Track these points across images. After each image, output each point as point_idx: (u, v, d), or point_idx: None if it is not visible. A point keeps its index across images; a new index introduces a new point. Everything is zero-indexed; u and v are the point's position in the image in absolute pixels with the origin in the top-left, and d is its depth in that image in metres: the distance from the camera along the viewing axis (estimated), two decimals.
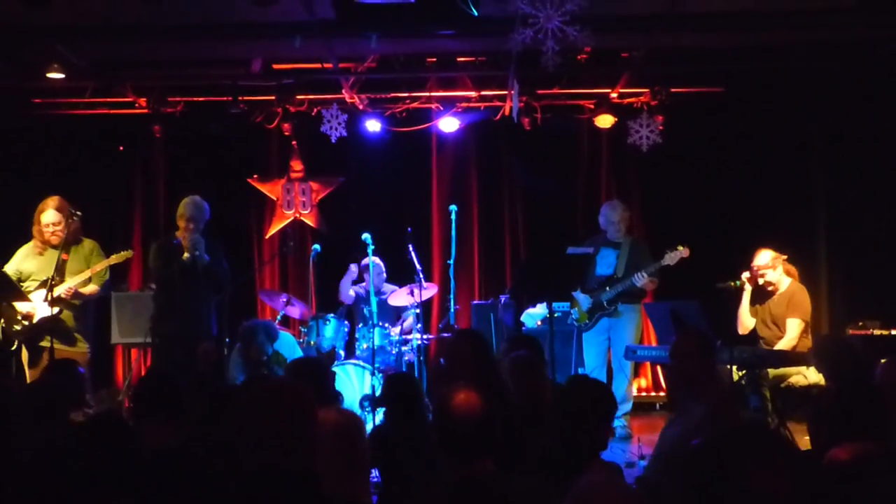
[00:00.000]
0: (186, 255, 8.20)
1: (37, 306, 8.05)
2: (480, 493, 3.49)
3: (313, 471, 3.19)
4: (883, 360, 5.11)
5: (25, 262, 8.25)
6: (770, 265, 8.44)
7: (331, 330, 9.59)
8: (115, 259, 8.31)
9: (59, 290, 8.00)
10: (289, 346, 9.35)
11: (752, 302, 8.58)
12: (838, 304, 10.16)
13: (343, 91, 10.11)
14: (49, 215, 8.17)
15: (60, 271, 8.02)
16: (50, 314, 7.90)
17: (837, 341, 7.29)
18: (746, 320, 8.56)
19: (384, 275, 10.21)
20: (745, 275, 8.48)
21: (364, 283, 10.04)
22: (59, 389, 4.98)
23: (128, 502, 3.35)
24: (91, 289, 8.25)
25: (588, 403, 4.14)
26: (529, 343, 6.21)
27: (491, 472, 3.62)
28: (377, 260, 9.98)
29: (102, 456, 3.38)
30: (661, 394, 10.67)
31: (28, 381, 7.86)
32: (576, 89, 10.42)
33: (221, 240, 8.75)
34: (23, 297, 7.98)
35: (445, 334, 9.98)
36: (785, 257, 8.54)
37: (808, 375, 7.77)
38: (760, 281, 8.44)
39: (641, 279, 9.09)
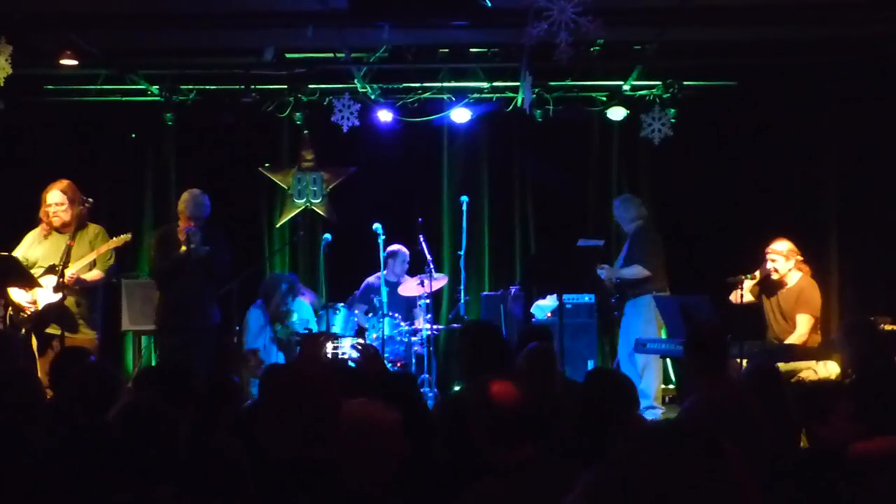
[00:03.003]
0: (183, 248, 8.27)
1: (39, 293, 8.06)
2: (534, 473, 3.58)
3: (334, 461, 3.19)
4: None
5: (31, 248, 8.24)
6: (783, 253, 8.38)
7: (340, 319, 9.60)
8: (114, 242, 8.29)
9: (83, 263, 8.05)
10: (306, 310, 9.40)
11: (762, 293, 8.52)
12: (849, 299, 10.13)
13: (355, 81, 10.11)
14: (53, 195, 8.18)
15: (67, 256, 8.02)
16: (54, 300, 7.92)
17: (869, 324, 7.06)
18: (745, 295, 8.47)
19: (407, 265, 10.30)
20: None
21: (382, 273, 10.03)
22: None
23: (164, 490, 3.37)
24: (94, 274, 8.24)
25: (609, 395, 4.14)
26: (541, 334, 6.20)
27: (533, 455, 3.76)
28: (403, 248, 10.13)
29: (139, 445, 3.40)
30: (671, 387, 10.63)
31: (38, 369, 7.88)
32: (588, 81, 10.40)
33: (224, 231, 8.78)
34: (33, 281, 7.97)
35: (455, 325, 10.02)
36: (801, 258, 8.47)
37: (819, 370, 7.74)
38: (769, 265, 8.37)
39: (603, 272, 9.30)
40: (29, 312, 8.04)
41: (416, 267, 10.08)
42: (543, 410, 4.70)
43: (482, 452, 3.84)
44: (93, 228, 8.34)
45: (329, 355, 8.76)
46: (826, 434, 4.06)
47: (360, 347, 5.47)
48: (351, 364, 8.56)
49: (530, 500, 3.55)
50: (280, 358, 9.34)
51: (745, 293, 8.31)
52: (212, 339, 8.55)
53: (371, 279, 10.22)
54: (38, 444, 3.84)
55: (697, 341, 5.32)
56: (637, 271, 9.21)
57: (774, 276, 8.36)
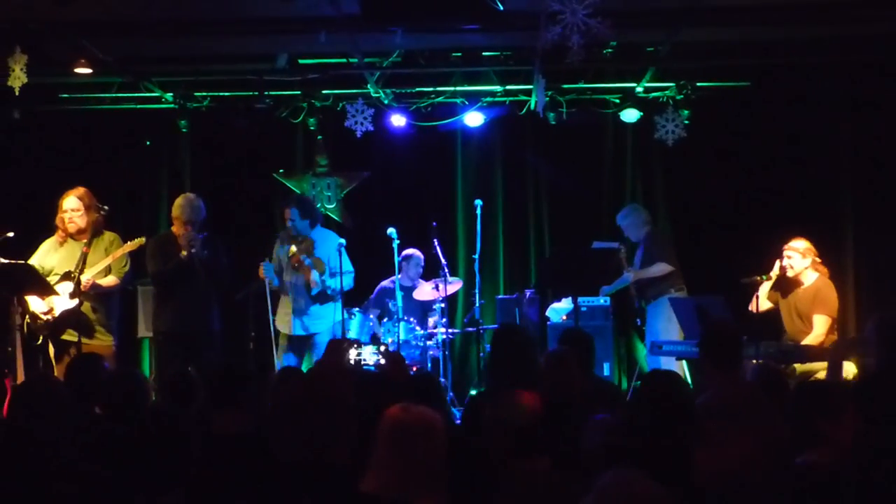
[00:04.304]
0: (184, 253, 8.30)
1: (56, 300, 8.10)
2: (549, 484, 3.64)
3: (345, 466, 3.19)
4: None
5: (47, 257, 8.30)
6: (800, 251, 8.33)
7: (356, 324, 9.60)
8: (129, 247, 8.34)
9: (98, 268, 8.11)
10: (330, 241, 9.28)
11: (778, 292, 8.49)
12: (865, 299, 10.09)
13: (368, 86, 10.12)
14: (69, 201, 8.26)
15: (83, 263, 8.06)
16: (71, 307, 7.98)
17: None
18: (762, 302, 8.45)
19: (421, 268, 10.32)
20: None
21: (395, 277, 10.04)
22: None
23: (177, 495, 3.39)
24: (110, 280, 8.30)
25: (670, 398, 4.15)
26: (574, 339, 6.19)
27: (549, 467, 3.82)
28: (417, 252, 10.18)
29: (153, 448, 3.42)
30: None
31: (56, 375, 7.91)
32: (601, 84, 10.39)
33: (221, 237, 8.82)
34: (49, 289, 8.00)
35: (470, 329, 10.03)
36: (820, 260, 8.44)
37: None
38: (785, 262, 8.33)
39: (630, 276, 9.36)
40: (45, 320, 8.09)
41: (431, 271, 10.08)
42: (563, 415, 4.70)
43: (499, 463, 3.84)
44: (108, 236, 8.41)
45: (352, 361, 8.75)
46: (837, 434, 4.05)
47: (384, 354, 5.51)
48: (372, 368, 8.57)
49: None
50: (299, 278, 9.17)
51: (762, 299, 8.31)
52: (213, 345, 8.57)
53: (385, 283, 10.23)
54: (63, 450, 3.87)
55: (711, 339, 5.33)
56: (662, 268, 9.24)
57: (789, 273, 8.32)
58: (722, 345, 5.28)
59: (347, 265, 9.10)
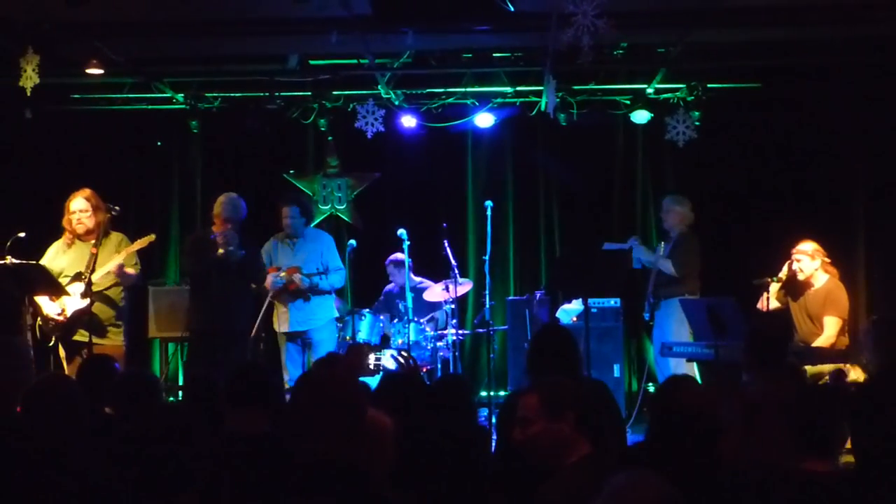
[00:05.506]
0: (221, 251, 8.29)
1: (67, 301, 8.11)
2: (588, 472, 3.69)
3: (362, 466, 3.21)
4: None
5: (56, 259, 8.30)
6: (809, 253, 8.32)
7: (366, 325, 9.60)
8: (139, 244, 8.34)
9: (108, 268, 8.05)
10: (322, 240, 9.39)
11: (788, 295, 8.47)
12: (877, 301, 10.07)
13: (379, 87, 10.13)
14: (77, 203, 8.26)
15: (93, 264, 8.06)
16: (82, 307, 7.98)
17: None
18: (771, 303, 8.41)
19: (408, 269, 10.31)
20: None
21: (398, 280, 10.07)
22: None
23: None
24: (132, 270, 8.31)
25: (689, 405, 4.16)
26: (556, 335, 6.19)
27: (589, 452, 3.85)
28: (399, 255, 10.10)
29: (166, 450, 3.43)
30: None
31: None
32: (612, 85, 10.39)
33: (257, 236, 8.84)
34: (61, 289, 8.01)
35: (480, 330, 10.02)
36: (829, 260, 8.42)
37: (847, 373, 7.68)
38: (795, 265, 8.31)
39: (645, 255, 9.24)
40: (57, 321, 8.10)
41: (441, 272, 10.07)
42: None
43: (549, 453, 3.84)
44: (115, 236, 8.40)
45: (371, 366, 8.75)
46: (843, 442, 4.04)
47: (401, 359, 5.51)
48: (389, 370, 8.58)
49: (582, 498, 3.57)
50: None
51: (771, 299, 8.28)
52: (243, 344, 8.56)
53: (388, 287, 10.30)
54: (75, 451, 3.88)
55: (757, 337, 5.33)
56: (668, 268, 9.11)
57: (800, 277, 8.31)
58: (768, 343, 5.29)
59: (338, 262, 9.20)
